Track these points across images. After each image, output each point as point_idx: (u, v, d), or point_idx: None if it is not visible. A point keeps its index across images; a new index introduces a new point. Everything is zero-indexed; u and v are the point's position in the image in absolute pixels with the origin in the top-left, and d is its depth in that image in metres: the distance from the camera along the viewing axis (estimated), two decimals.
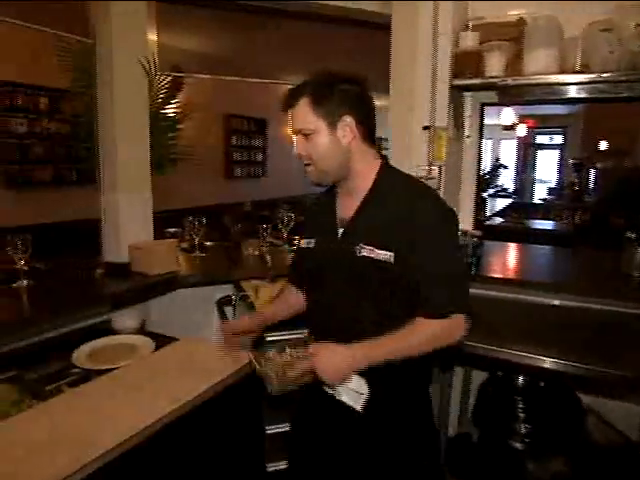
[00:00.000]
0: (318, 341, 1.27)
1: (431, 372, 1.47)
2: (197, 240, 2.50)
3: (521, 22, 2.18)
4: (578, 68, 2.08)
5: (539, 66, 2.08)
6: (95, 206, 2.12)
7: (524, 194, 10.97)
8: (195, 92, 5.34)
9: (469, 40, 2.23)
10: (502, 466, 2.18)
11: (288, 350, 1.26)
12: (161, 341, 1.79)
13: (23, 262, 1.84)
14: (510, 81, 2.12)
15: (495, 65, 2.15)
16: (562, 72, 2.06)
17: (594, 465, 2.11)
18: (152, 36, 2.29)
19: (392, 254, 1.21)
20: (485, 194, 6.94)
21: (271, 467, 1.87)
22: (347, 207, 1.32)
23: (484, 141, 2.69)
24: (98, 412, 1.29)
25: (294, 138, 1.28)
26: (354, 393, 1.25)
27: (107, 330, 1.87)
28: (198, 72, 3.57)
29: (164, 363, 1.59)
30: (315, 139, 1.24)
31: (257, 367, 1.25)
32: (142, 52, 2.06)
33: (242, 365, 1.58)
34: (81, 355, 1.64)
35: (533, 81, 2.10)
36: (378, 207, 1.27)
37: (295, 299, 1.57)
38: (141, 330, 1.93)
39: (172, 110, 2.33)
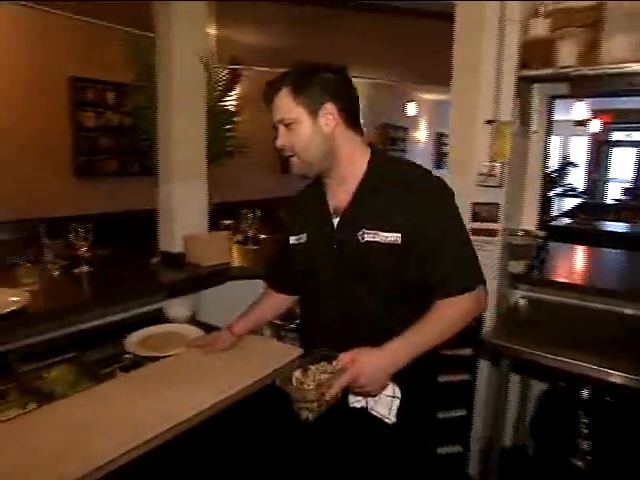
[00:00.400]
0: (326, 342, 1.20)
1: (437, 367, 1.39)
2: (251, 233, 2.52)
3: (600, 6, 2.01)
4: None
5: (620, 54, 1.91)
6: (154, 197, 2.17)
7: (595, 194, 10.33)
8: (255, 86, 5.43)
9: (539, 28, 2.08)
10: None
11: (313, 368, 1.12)
12: (210, 332, 1.80)
13: (85, 249, 1.92)
14: (587, 71, 1.96)
15: (568, 54, 2.00)
16: None
17: None
18: (211, 30, 2.31)
19: (399, 235, 1.17)
20: (552, 193, 6.59)
21: None
22: (340, 196, 1.27)
23: (552, 137, 2.53)
24: (145, 399, 1.31)
25: (276, 130, 1.24)
26: (388, 399, 1.17)
27: (160, 318, 1.91)
28: (258, 65, 3.59)
29: (210, 354, 1.59)
30: (297, 129, 1.20)
31: (288, 392, 1.11)
32: (201, 46, 2.08)
33: (292, 359, 1.56)
34: (132, 341, 1.68)
35: (613, 70, 1.93)
36: (375, 192, 1.23)
37: (274, 304, 1.60)
38: (192, 320, 1.95)
39: (229, 103, 2.35)
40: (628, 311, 2.03)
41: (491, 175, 2.18)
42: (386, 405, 1.18)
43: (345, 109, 1.23)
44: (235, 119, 2.39)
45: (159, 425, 1.19)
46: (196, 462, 1.30)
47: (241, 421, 1.41)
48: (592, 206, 7.28)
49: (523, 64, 2.10)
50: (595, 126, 8.73)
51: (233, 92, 2.36)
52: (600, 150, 10.76)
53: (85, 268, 1.92)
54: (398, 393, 1.18)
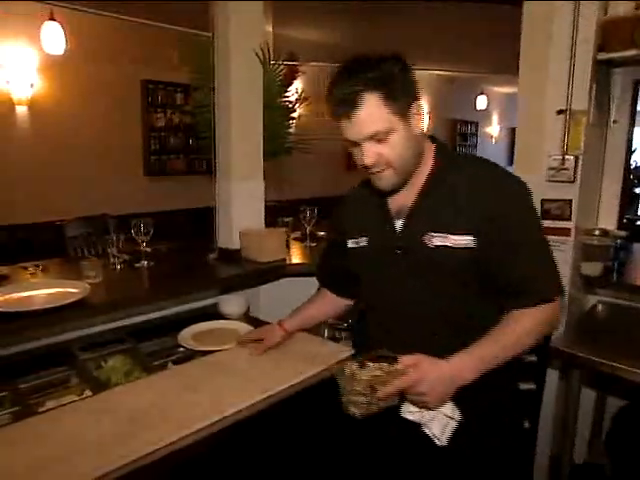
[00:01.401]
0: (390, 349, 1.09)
1: (517, 384, 1.28)
2: (309, 229, 2.50)
3: None
4: None
5: None
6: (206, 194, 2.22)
7: None
8: (318, 82, 5.42)
9: (621, 7, 1.89)
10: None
11: (371, 364, 1.04)
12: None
13: (145, 244, 1.98)
14: None
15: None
16: None
17: None
18: (268, 27, 2.33)
19: (472, 238, 1.06)
20: (638, 190, 6.05)
21: None
22: (402, 195, 1.15)
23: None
24: (194, 392, 1.32)
25: (358, 148, 1.07)
26: (445, 419, 1.07)
27: (215, 313, 1.94)
28: (316, 60, 3.58)
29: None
30: (391, 139, 1.04)
31: (340, 381, 1.05)
32: (258, 44, 2.08)
33: (341, 359, 1.52)
34: (185, 336, 1.71)
35: None
36: (443, 191, 1.11)
37: (328, 306, 1.54)
38: (246, 316, 1.96)
39: (287, 99, 2.34)
40: None
41: (563, 169, 2.01)
42: (441, 425, 1.08)
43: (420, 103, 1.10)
44: (293, 115, 2.37)
45: (203, 419, 1.19)
46: (241, 458, 1.29)
47: (288, 420, 1.39)
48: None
49: (601, 47, 1.92)
50: None
51: (291, 88, 2.34)
52: None
53: (145, 262, 1.98)
54: (457, 415, 1.08)
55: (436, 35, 4.95)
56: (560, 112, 1.99)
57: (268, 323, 1.86)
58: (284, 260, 2.17)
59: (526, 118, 2.09)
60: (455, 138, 8.91)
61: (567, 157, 1.98)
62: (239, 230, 2.16)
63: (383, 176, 1.09)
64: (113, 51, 4.20)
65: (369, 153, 1.05)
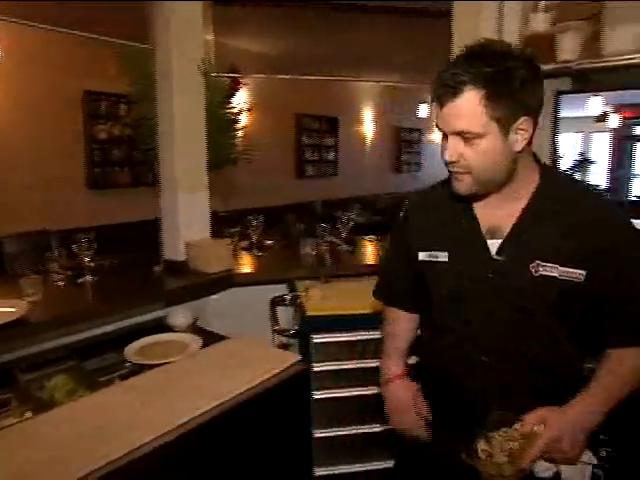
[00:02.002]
0: (468, 381, 1.06)
1: None
2: (255, 239, 2.52)
3: None
4: None
5: (622, 45, 1.86)
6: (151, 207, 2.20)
7: (619, 191, 10.07)
8: (261, 92, 5.46)
9: (540, 22, 2.04)
10: None
11: (498, 437, 0.97)
12: (210, 339, 1.80)
13: (88, 259, 1.94)
14: (587, 64, 1.91)
15: (569, 48, 1.95)
16: None
17: None
18: (209, 36, 2.35)
19: (583, 272, 0.98)
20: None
21: (318, 472, 1.82)
22: (498, 215, 1.06)
23: (572, 135, 2.47)
24: (142, 406, 1.31)
25: (442, 137, 1.00)
26: (584, 466, 1.02)
27: (161, 326, 1.92)
28: (258, 72, 3.62)
29: (210, 361, 1.60)
30: (480, 144, 0.95)
31: (482, 470, 0.97)
32: (199, 54, 2.10)
33: (289, 365, 1.55)
34: (132, 350, 1.69)
35: (614, 63, 1.88)
36: (550, 217, 1.02)
37: (410, 325, 1.31)
38: (193, 327, 1.96)
39: (230, 110, 2.36)
40: None
41: None
42: (581, 473, 1.02)
43: (537, 120, 1.00)
44: (237, 126, 2.40)
45: (154, 431, 1.19)
46: (194, 467, 1.29)
47: (240, 426, 1.40)
48: (617, 203, 7.08)
49: None
50: (614, 121, 8.51)
51: (234, 99, 2.37)
52: (622, 146, 10.49)
53: (89, 278, 1.94)
54: (593, 459, 1.03)
55: (378, 47, 5.10)
56: None
57: (216, 334, 1.87)
58: (231, 270, 2.18)
59: None
60: (400, 145, 9.15)
61: None
62: (185, 241, 2.16)
63: (460, 179, 1.02)
64: (53, 61, 4.08)
65: (452, 149, 0.98)
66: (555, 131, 2.38)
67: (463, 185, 1.02)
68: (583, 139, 10.60)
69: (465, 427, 0.99)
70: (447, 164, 1.01)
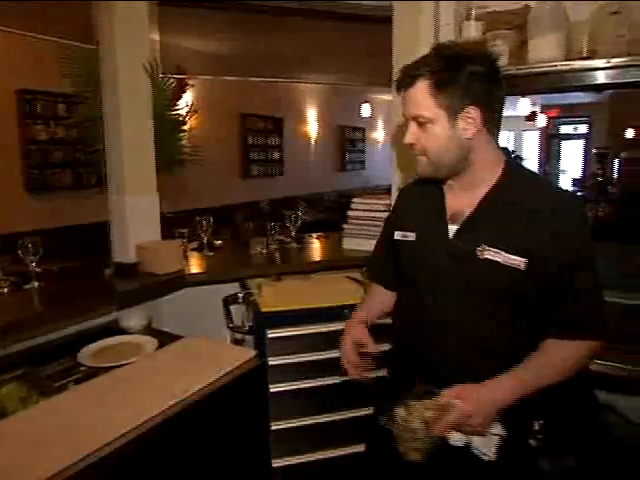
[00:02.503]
0: (422, 354, 1.18)
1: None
2: (205, 239, 2.53)
3: (526, 9, 2.13)
4: (585, 54, 2.02)
5: (544, 53, 2.04)
6: (102, 209, 2.17)
7: None
8: (207, 93, 5.42)
9: (472, 30, 2.19)
10: (516, 463, 2.13)
11: (417, 405, 1.07)
12: (165, 339, 1.81)
13: (34, 264, 1.90)
14: (514, 70, 2.07)
15: (500, 55, 2.11)
16: (568, 58, 2.00)
17: (610, 461, 2.06)
18: (154, 37, 2.33)
19: (524, 260, 1.06)
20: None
21: (276, 463, 1.87)
22: (461, 202, 1.17)
23: (505, 133, 2.64)
24: (99, 407, 1.32)
25: (406, 123, 1.14)
26: (491, 437, 1.10)
27: (115, 329, 1.91)
28: (204, 73, 3.62)
29: (166, 360, 1.62)
30: (431, 129, 1.08)
31: (398, 432, 1.08)
32: (145, 54, 2.09)
33: (246, 360, 1.60)
34: (86, 354, 1.68)
35: (537, 69, 2.05)
36: (505, 206, 1.11)
37: (384, 298, 1.44)
38: (148, 328, 1.96)
39: (177, 111, 2.36)
40: None
41: None
42: (489, 443, 1.11)
43: (489, 113, 1.09)
44: (184, 127, 2.40)
45: (116, 431, 1.20)
46: (158, 465, 1.32)
47: (201, 422, 1.43)
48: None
49: None
50: (542, 121, 9.09)
51: (180, 101, 2.37)
52: (550, 143, 11.20)
53: (36, 284, 1.90)
54: (501, 431, 1.10)
55: (321, 49, 5.19)
56: None
57: (171, 335, 1.88)
58: (182, 271, 2.19)
59: (403, 129, 2.32)
60: (344, 143, 9.31)
61: None
62: (135, 244, 2.14)
63: (419, 160, 1.15)
64: None
65: (410, 133, 1.12)
66: None
67: (422, 166, 1.16)
68: (515, 137, 11.23)
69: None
70: (408, 147, 1.15)
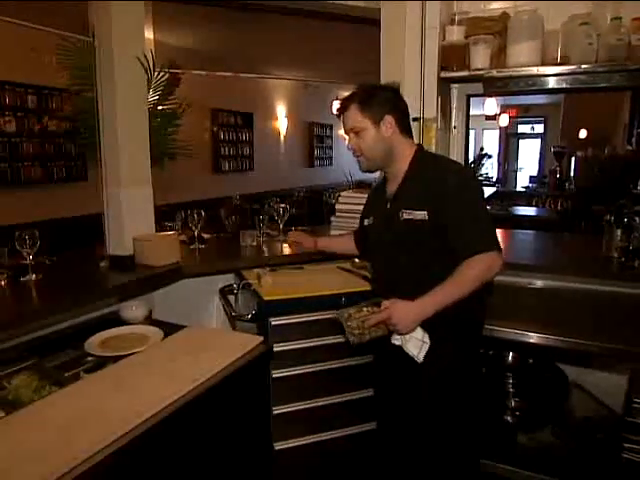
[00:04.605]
0: (379, 288, 1.70)
1: (477, 324, 1.71)
2: (196, 232, 2.57)
3: (504, 16, 2.28)
4: (559, 60, 2.19)
5: (522, 58, 2.20)
6: (87, 202, 2.17)
7: (507, 182, 11.17)
8: (183, 88, 5.38)
9: (455, 34, 2.33)
10: (496, 439, 2.30)
11: (365, 309, 1.53)
12: (169, 329, 1.85)
13: (31, 257, 1.90)
14: (495, 73, 2.22)
15: (480, 58, 2.26)
16: (544, 64, 2.17)
17: (579, 435, 2.25)
18: (148, 33, 2.34)
19: (425, 212, 1.52)
20: None
21: (278, 446, 1.95)
22: (393, 186, 1.67)
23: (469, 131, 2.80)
24: (120, 393, 1.36)
25: (347, 136, 1.66)
26: (419, 342, 1.53)
27: (116, 320, 1.94)
28: (193, 68, 3.62)
29: (177, 348, 1.66)
30: (364, 135, 1.60)
31: (341, 321, 1.52)
32: (141, 50, 2.11)
33: (254, 345, 1.67)
34: (93, 343, 1.71)
35: (516, 73, 2.21)
36: (414, 180, 1.60)
37: (350, 245, 2.08)
38: (149, 319, 2.00)
39: (169, 106, 2.39)
40: (539, 283, 2.32)
41: None
42: (416, 347, 1.53)
43: (400, 119, 1.62)
44: (176, 122, 2.43)
45: (138, 417, 1.23)
46: (176, 451, 1.37)
47: (219, 404, 1.49)
48: (506, 193, 7.91)
49: (443, 67, 2.33)
50: (504, 120, 9.46)
51: (172, 96, 2.39)
52: (509, 142, 11.66)
53: (33, 276, 1.90)
54: (427, 339, 1.53)
55: (298, 46, 5.25)
56: (415, 119, 2.36)
57: (175, 325, 1.92)
58: (178, 263, 2.23)
59: None
60: (312, 139, 9.39)
61: None
62: (131, 236, 2.16)
63: (360, 160, 1.67)
64: None
65: (350, 141, 1.65)
66: (467, 128, 2.70)
67: (361, 163, 1.68)
68: (476, 135, 11.62)
69: None
70: (352, 153, 1.67)
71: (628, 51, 2.04)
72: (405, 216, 1.56)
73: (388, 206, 1.66)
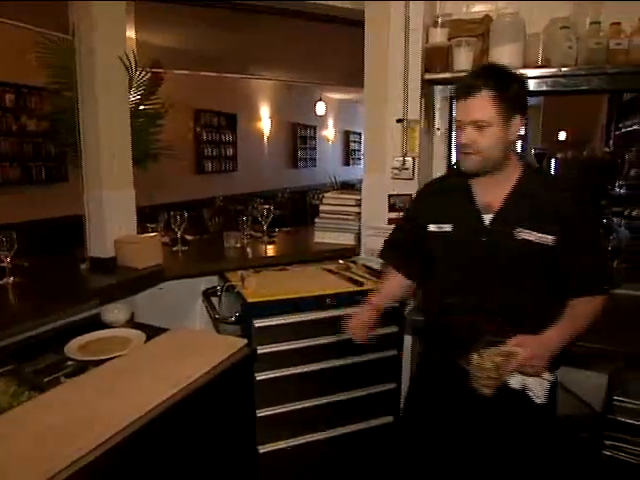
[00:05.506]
0: (457, 324, 1.42)
1: None
2: (179, 234, 2.54)
3: (487, 19, 2.30)
4: (540, 63, 2.22)
5: (504, 60, 2.20)
6: (68, 203, 2.13)
7: None
8: (166, 88, 5.32)
9: (438, 36, 2.33)
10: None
11: (487, 351, 1.30)
12: (152, 332, 1.83)
13: (8, 259, 1.86)
14: None
15: (463, 60, 2.27)
16: (525, 66, 2.19)
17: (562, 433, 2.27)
18: (131, 33, 2.31)
19: (552, 237, 1.34)
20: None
21: (263, 449, 1.94)
22: (491, 195, 1.42)
23: (453, 133, 2.82)
24: (101, 398, 1.33)
25: (460, 129, 1.36)
26: (545, 381, 1.38)
27: (97, 324, 1.90)
28: (176, 68, 3.59)
29: (160, 351, 1.64)
30: (488, 131, 1.32)
31: (474, 373, 1.31)
32: (122, 49, 2.08)
33: (234, 350, 1.65)
34: (73, 347, 1.68)
35: None
36: (527, 197, 1.39)
37: (400, 284, 1.68)
38: (130, 322, 1.97)
39: (152, 106, 2.36)
40: None
41: (403, 169, 2.41)
42: (541, 386, 1.38)
43: (524, 122, 1.39)
44: (159, 122, 2.40)
45: (119, 423, 1.22)
46: (160, 455, 1.35)
47: (204, 406, 1.48)
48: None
49: (426, 68, 2.35)
50: None
51: (155, 96, 2.36)
52: None
53: (11, 279, 1.86)
54: (551, 377, 1.39)
55: (283, 47, 5.23)
56: (399, 121, 2.38)
57: (157, 328, 1.90)
58: (161, 265, 2.20)
59: (372, 126, 2.45)
60: (296, 141, 9.38)
61: (407, 158, 2.38)
62: (112, 238, 2.13)
63: (470, 158, 1.36)
64: None
65: (466, 134, 1.34)
66: (450, 130, 2.72)
67: (470, 163, 1.38)
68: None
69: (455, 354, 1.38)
70: (461, 147, 1.38)
71: (606, 55, 2.07)
72: (524, 236, 1.36)
73: (487, 219, 1.42)
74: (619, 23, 2.06)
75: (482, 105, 1.30)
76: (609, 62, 2.07)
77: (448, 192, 1.53)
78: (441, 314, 1.52)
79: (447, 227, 1.48)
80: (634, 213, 2.32)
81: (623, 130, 4.21)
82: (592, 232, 1.43)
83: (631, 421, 1.82)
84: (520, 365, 1.30)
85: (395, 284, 1.69)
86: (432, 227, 1.51)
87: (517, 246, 1.37)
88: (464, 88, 1.34)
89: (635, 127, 3.72)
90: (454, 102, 2.67)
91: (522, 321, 1.37)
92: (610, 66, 2.06)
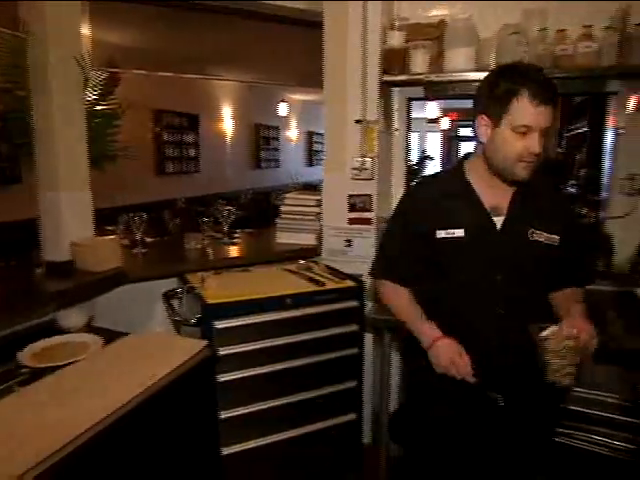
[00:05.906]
0: (477, 330, 1.41)
1: None
2: (139, 236, 2.50)
3: (442, 23, 2.37)
4: (492, 66, 2.30)
5: (458, 64, 2.29)
6: (22, 206, 2.07)
7: None
8: (124, 88, 5.22)
9: (396, 38, 2.39)
10: None
11: (549, 331, 1.27)
12: (110, 337, 1.79)
13: None
14: (433, 77, 2.30)
15: (420, 62, 2.33)
16: (478, 70, 2.26)
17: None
18: (85, 31, 2.25)
19: (558, 237, 1.40)
20: (413, 183, 7.27)
21: (227, 450, 1.93)
22: (497, 197, 1.42)
23: (411, 134, 2.88)
24: (57, 407, 1.30)
25: (525, 137, 1.29)
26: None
27: (53, 329, 1.85)
28: (134, 68, 3.52)
29: (117, 355, 1.61)
30: (547, 138, 1.32)
31: (549, 363, 1.26)
32: (77, 48, 2.03)
33: (195, 352, 1.64)
34: (27, 355, 1.62)
35: (453, 78, 2.30)
36: (531, 198, 1.42)
37: (411, 296, 1.56)
38: (89, 327, 1.93)
39: (109, 106, 2.31)
40: None
41: (363, 169, 2.45)
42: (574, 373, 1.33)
43: None
44: (116, 122, 2.36)
45: (77, 429, 1.19)
46: (120, 461, 1.33)
47: (159, 412, 1.46)
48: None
49: (384, 70, 2.39)
50: (445, 123, 9.79)
51: (112, 96, 2.32)
52: (451, 144, 12.06)
53: None
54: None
55: (244, 48, 5.20)
56: (358, 122, 2.42)
57: (116, 332, 1.86)
58: (119, 268, 2.16)
59: (332, 127, 2.48)
60: (259, 141, 9.33)
61: (366, 159, 2.42)
62: (70, 241, 2.08)
63: (531, 167, 1.33)
64: None
65: (540, 143, 1.28)
66: (408, 130, 2.78)
67: (529, 170, 1.33)
68: (420, 138, 11.94)
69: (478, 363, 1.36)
70: (534, 156, 1.30)
71: (553, 60, 2.17)
72: (537, 237, 1.39)
73: (498, 221, 1.41)
74: (564, 30, 2.17)
75: (552, 112, 1.28)
76: (557, 67, 2.17)
77: (451, 196, 1.46)
78: (454, 317, 1.45)
79: (459, 232, 1.41)
80: (583, 211, 2.43)
81: (573, 132, 4.40)
82: (584, 231, 1.65)
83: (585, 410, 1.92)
84: (585, 347, 1.28)
85: (411, 297, 1.55)
86: (441, 233, 1.43)
87: (530, 247, 1.40)
88: (548, 93, 1.26)
89: (585, 129, 3.89)
90: (416, 103, 2.78)
91: (527, 317, 1.37)
92: (558, 70, 2.16)
